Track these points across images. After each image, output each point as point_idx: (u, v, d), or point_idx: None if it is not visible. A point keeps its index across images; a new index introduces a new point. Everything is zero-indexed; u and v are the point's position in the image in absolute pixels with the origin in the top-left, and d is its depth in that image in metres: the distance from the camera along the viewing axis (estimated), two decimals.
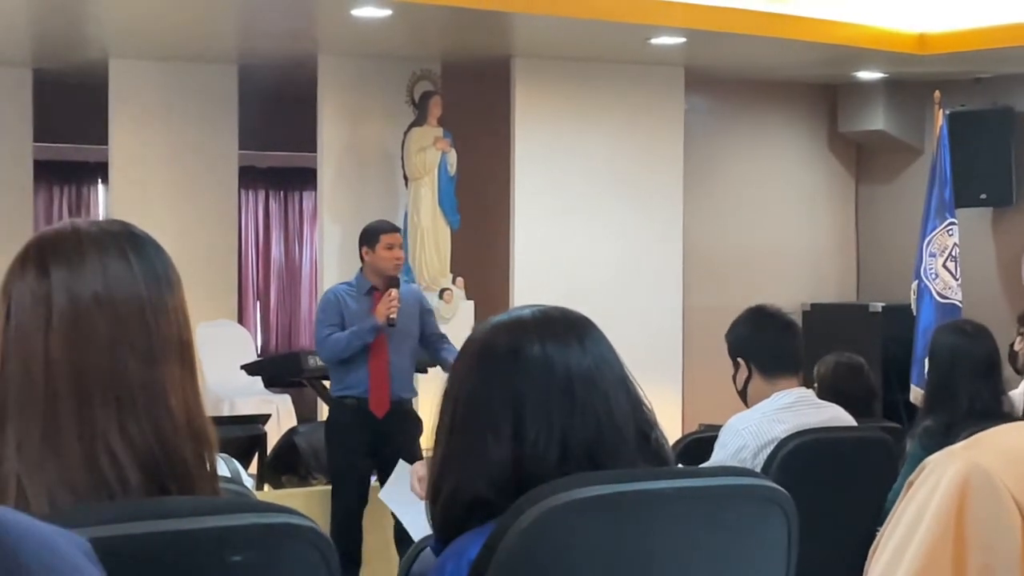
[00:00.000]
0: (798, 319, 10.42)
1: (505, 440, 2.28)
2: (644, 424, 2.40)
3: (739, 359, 5.10)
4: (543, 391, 2.31)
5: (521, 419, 2.29)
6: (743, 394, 5.11)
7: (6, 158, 12.08)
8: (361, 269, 8.18)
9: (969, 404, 5.41)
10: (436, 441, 2.34)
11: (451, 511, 2.30)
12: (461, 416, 2.32)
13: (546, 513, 2.22)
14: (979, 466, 1.42)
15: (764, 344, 5.06)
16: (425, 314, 8.24)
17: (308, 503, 7.82)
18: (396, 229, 8.34)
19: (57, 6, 9.76)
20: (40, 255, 1.91)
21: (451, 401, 2.34)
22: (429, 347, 8.23)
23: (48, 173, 14.18)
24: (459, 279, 11.14)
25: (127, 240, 1.94)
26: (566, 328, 2.38)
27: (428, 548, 2.39)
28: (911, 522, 1.45)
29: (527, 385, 2.31)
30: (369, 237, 8.16)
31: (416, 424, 8.12)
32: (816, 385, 5.87)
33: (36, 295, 1.88)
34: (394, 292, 7.94)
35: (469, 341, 2.41)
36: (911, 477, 1.49)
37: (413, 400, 8.33)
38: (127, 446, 1.85)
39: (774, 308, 5.31)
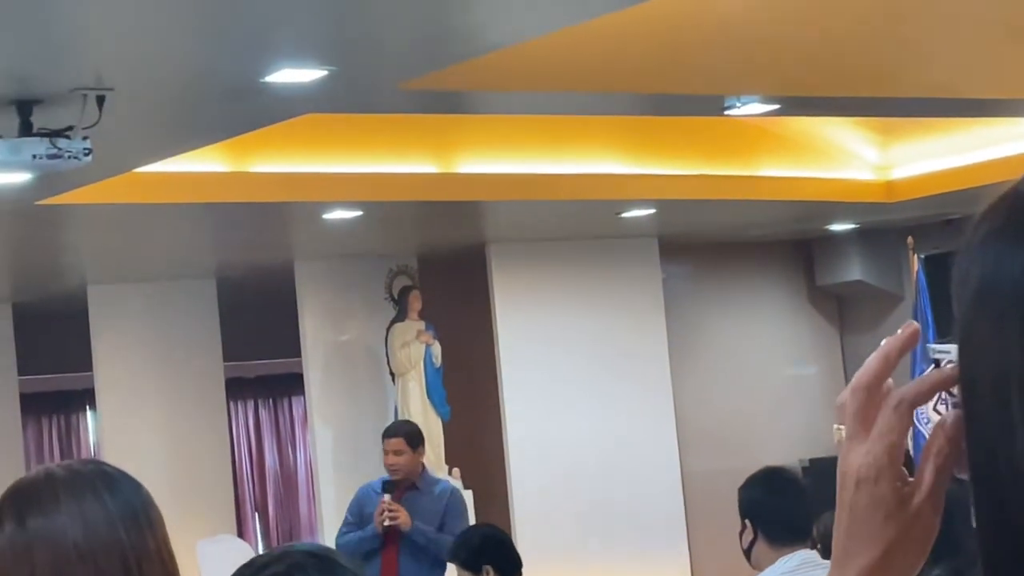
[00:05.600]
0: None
1: None
2: None
3: (746, 520, 5.03)
4: None
5: None
6: (747, 554, 5.05)
7: None
8: None
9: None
10: None
11: None
12: None
13: None
14: None
15: (775, 511, 4.95)
16: (448, 516, 7.84)
17: None
18: (391, 434, 8.20)
19: (33, 240, 9.81)
20: (15, 507, 1.87)
21: None
22: None
23: (35, 405, 14.16)
24: (455, 470, 11.06)
25: (100, 480, 1.90)
26: None
27: None
28: None
29: None
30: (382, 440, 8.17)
31: None
32: (819, 546, 5.79)
33: (16, 550, 1.84)
34: (386, 499, 7.80)
35: None
36: None
37: None
38: None
39: (788, 472, 5.25)
